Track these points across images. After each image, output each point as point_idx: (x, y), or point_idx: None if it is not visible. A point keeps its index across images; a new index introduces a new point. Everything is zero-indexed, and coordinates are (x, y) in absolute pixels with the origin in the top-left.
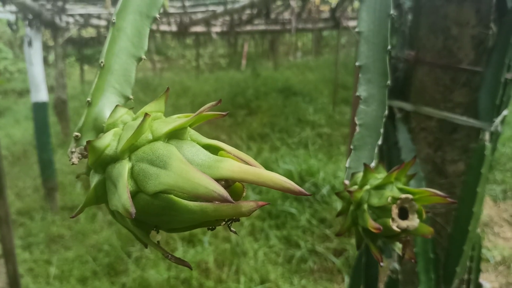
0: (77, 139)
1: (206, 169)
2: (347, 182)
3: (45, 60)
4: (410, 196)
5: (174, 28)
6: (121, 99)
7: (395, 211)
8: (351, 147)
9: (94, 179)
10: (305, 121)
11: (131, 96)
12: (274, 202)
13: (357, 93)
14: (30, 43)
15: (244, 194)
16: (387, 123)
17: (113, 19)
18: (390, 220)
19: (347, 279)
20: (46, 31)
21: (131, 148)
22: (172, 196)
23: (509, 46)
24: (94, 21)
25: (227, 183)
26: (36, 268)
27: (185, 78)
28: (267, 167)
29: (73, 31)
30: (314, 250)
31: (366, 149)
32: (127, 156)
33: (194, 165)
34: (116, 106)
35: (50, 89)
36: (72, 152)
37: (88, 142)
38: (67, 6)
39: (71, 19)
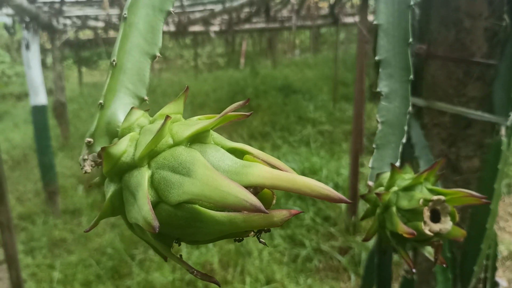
0: (89, 145)
1: (234, 176)
2: (371, 183)
3: (43, 63)
4: (442, 197)
5: (172, 28)
6: (135, 100)
7: (427, 213)
8: (374, 146)
9: (110, 189)
10: (305, 118)
11: (146, 97)
12: (277, 201)
13: (378, 89)
14: (27, 46)
15: (274, 202)
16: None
17: (125, 14)
18: (422, 224)
19: (353, 277)
20: (43, 34)
21: (151, 154)
22: (197, 206)
23: None
24: (92, 23)
25: (255, 190)
26: (39, 273)
27: (183, 78)
28: None
29: (70, 33)
30: (319, 248)
31: (389, 148)
32: (146, 163)
33: (220, 171)
34: (132, 108)
35: (49, 92)
36: (85, 160)
37: (103, 148)
38: (64, 8)
39: (68, 21)
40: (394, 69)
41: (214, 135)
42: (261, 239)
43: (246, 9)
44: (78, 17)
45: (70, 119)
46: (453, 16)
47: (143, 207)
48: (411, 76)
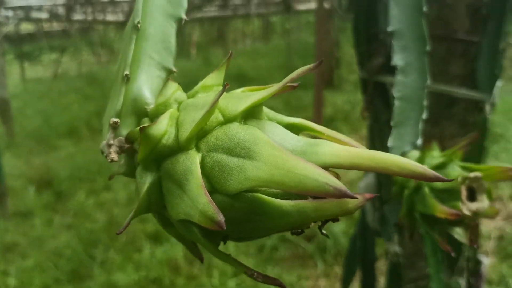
0: (115, 127)
1: (301, 156)
2: None
3: None
4: (479, 174)
5: (121, 17)
6: (161, 72)
7: (464, 192)
8: (392, 124)
9: (146, 180)
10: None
11: (174, 69)
12: None
13: (392, 63)
14: None
15: None
16: (377, 101)
17: None
18: (460, 203)
19: (320, 264)
20: None
21: (199, 135)
22: (260, 195)
23: (506, 13)
24: (35, 14)
25: None
26: None
27: None
28: None
29: (11, 26)
30: (285, 237)
31: (408, 124)
32: (193, 145)
33: None
34: (168, 80)
35: None
36: (109, 146)
37: (141, 129)
38: None
39: (10, 13)
40: (409, 40)
41: (266, 109)
42: (323, 231)
43: None
44: (20, 8)
45: (15, 116)
46: None
47: (198, 200)
48: (428, 47)
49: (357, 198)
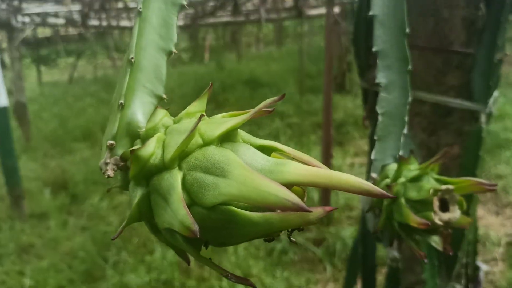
0: (111, 148)
1: (268, 175)
2: (374, 175)
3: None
4: (451, 187)
5: None
6: (153, 99)
7: (436, 203)
8: (375, 138)
9: (137, 193)
10: (273, 112)
11: (164, 96)
12: None
13: (377, 80)
14: None
15: (305, 199)
16: (376, 111)
17: (139, 8)
18: (432, 214)
19: (329, 268)
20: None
21: (181, 156)
22: (232, 208)
23: (500, 25)
24: (51, 20)
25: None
26: (9, 280)
27: None
28: None
29: (28, 32)
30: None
31: (391, 139)
32: (176, 165)
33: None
34: (156, 108)
35: (7, 93)
36: (106, 164)
37: (132, 151)
38: (23, 5)
39: (27, 19)
40: (392, 60)
41: (242, 133)
42: (292, 239)
43: (211, 3)
44: (37, 14)
45: (31, 120)
46: (431, 6)
47: (178, 211)
48: (410, 67)
49: (311, 211)
